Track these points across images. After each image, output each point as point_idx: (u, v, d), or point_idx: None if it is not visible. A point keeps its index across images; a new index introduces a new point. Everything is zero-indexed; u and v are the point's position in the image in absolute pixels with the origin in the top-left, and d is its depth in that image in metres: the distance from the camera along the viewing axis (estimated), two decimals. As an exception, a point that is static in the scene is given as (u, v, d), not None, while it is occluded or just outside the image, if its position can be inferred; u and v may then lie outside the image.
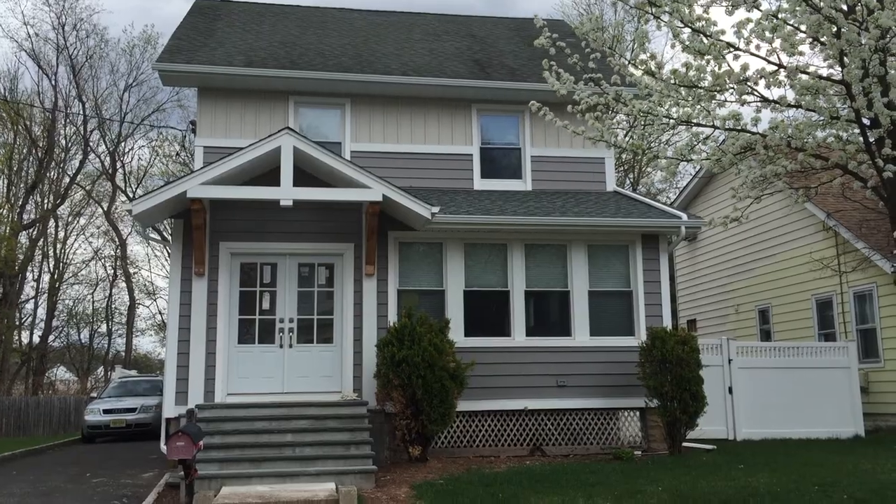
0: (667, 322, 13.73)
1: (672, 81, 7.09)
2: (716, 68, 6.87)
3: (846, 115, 6.78)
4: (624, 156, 31.59)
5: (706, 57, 6.85)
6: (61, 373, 48.08)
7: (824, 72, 6.84)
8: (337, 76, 14.59)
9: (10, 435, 23.98)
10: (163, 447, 11.60)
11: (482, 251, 13.72)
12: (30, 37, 39.35)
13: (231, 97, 14.49)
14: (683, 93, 7.14)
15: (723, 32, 6.80)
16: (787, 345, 16.65)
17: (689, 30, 6.83)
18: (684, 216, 14.12)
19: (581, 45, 8.02)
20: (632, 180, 33.29)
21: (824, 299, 18.41)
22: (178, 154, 38.32)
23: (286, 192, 12.08)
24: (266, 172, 12.51)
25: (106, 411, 21.02)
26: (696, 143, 7.63)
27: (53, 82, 36.08)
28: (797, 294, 19.13)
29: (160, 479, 11.32)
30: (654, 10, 6.79)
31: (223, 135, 14.29)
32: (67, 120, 36.87)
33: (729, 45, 6.77)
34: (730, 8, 6.61)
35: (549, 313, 13.92)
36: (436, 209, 12.46)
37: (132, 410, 21.01)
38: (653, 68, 7.25)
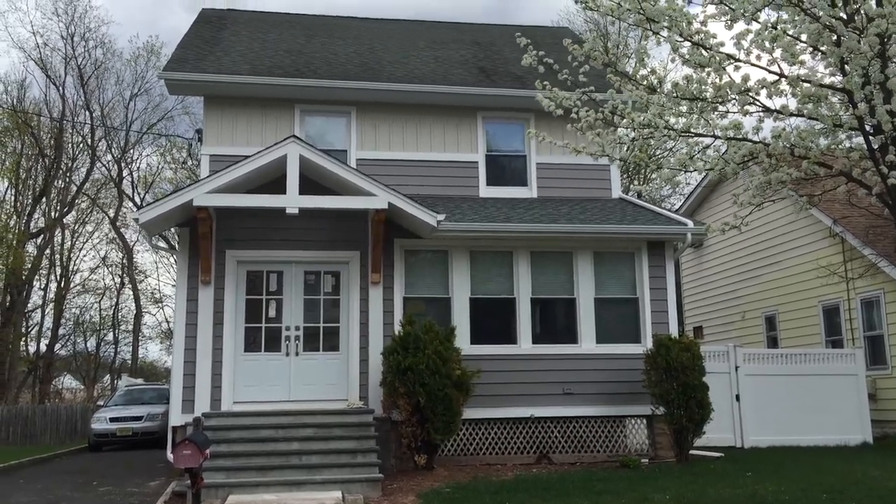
0: (673, 329, 13.69)
1: (674, 94, 7.10)
2: (717, 80, 6.87)
3: (849, 122, 6.77)
4: (630, 164, 31.56)
5: (707, 69, 6.85)
6: (68, 381, 48.16)
7: (826, 79, 6.84)
8: (342, 84, 14.63)
9: (17, 443, 24.01)
10: (169, 455, 11.61)
11: (488, 259, 13.71)
12: (38, 46, 39.56)
13: (237, 105, 14.54)
14: (685, 106, 7.14)
15: (722, 44, 6.80)
16: (794, 352, 16.60)
17: (689, 43, 6.83)
18: (690, 223, 14.10)
19: (569, 59, 8.02)
20: (638, 183, 33.25)
21: (831, 306, 18.35)
22: (184, 162, 38.42)
23: (292, 201, 12.11)
24: (272, 181, 12.54)
25: (112, 419, 21.03)
26: (696, 152, 7.63)
27: (61, 92, 36.31)
28: (804, 301, 19.07)
29: (167, 488, 11.31)
30: (652, 25, 6.79)
31: (229, 143, 14.34)
32: (74, 129, 37.06)
33: (729, 56, 6.77)
34: (728, 23, 6.61)
35: (555, 320, 13.90)
36: (441, 217, 12.47)
37: (138, 419, 21.02)
38: (654, 83, 7.26)
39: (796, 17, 6.35)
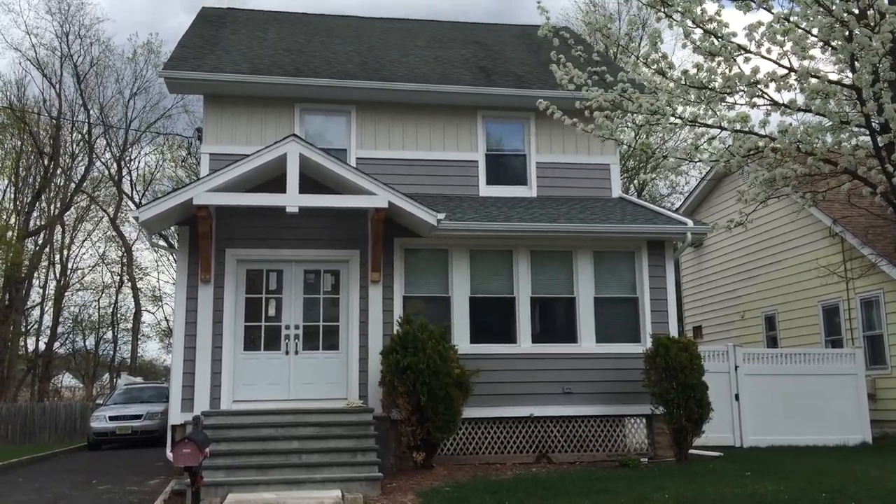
0: (673, 329, 13.69)
1: (682, 82, 7.08)
2: (726, 70, 6.86)
3: (856, 119, 6.76)
4: (630, 162, 31.58)
5: (717, 59, 6.84)
6: (67, 379, 48.15)
7: (834, 76, 6.83)
8: (342, 83, 14.61)
9: (16, 442, 24.01)
10: (169, 454, 11.60)
11: (488, 258, 13.70)
12: (33, 46, 39.57)
13: (237, 104, 14.52)
14: (693, 95, 7.12)
15: (734, 35, 6.79)
16: (793, 351, 16.60)
17: (701, 31, 6.82)
18: (690, 222, 14.10)
19: (585, 38, 8.01)
20: (636, 186, 33.28)
21: (831, 306, 18.36)
22: (184, 160, 38.42)
23: (292, 199, 12.09)
24: (272, 179, 12.52)
25: (112, 418, 21.05)
26: (702, 142, 7.61)
27: (58, 90, 36.29)
28: (804, 300, 19.08)
29: (166, 486, 11.31)
30: (666, 8, 6.77)
31: (229, 142, 14.32)
32: (73, 127, 37.05)
33: (740, 47, 6.75)
34: (741, 4, 6.59)
35: (554, 320, 13.89)
36: (441, 216, 12.46)
37: (138, 417, 21.04)
38: (664, 68, 7.23)
39: (808, 10, 6.33)
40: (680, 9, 6.70)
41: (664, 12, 6.82)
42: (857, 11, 6.34)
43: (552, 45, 8.05)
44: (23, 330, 36.53)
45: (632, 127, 8.12)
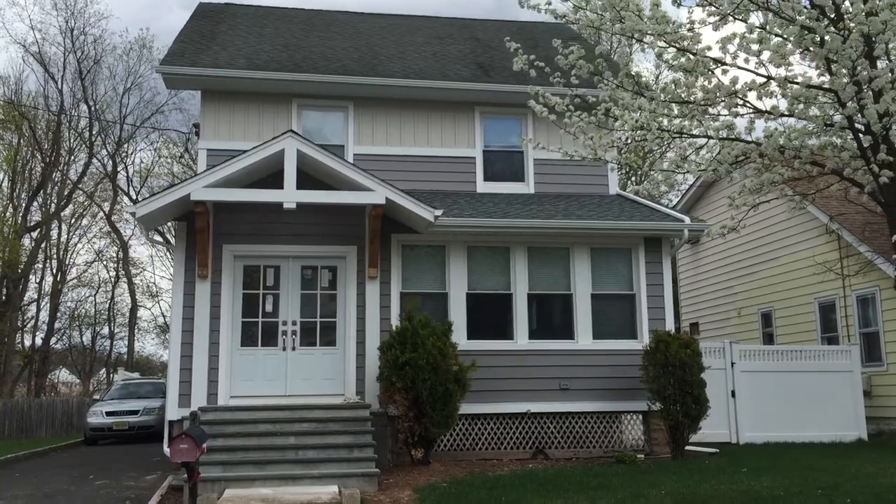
0: (669, 325, 13.72)
1: (662, 98, 7.11)
2: (706, 83, 6.87)
3: (840, 121, 6.78)
4: (630, 156, 31.54)
5: (693, 73, 6.86)
6: (64, 375, 48.16)
7: (815, 80, 6.84)
8: (340, 79, 14.61)
9: (13, 437, 24.01)
10: (166, 450, 11.62)
11: (485, 254, 13.72)
12: (37, 41, 39.54)
13: (234, 100, 14.52)
14: (675, 109, 7.15)
15: (708, 48, 6.80)
16: (789, 348, 16.64)
17: (675, 49, 6.83)
18: (687, 219, 14.11)
19: (564, 57, 8.06)
20: (634, 182, 33.27)
21: (827, 303, 18.39)
22: (181, 156, 38.35)
23: (289, 195, 12.10)
24: (269, 175, 12.53)
25: (108, 413, 21.06)
26: (688, 153, 7.67)
27: (60, 86, 36.22)
28: (800, 297, 19.11)
29: (163, 482, 11.33)
30: (636, 34, 6.80)
31: (227, 137, 14.31)
32: (71, 123, 36.97)
33: (716, 60, 6.77)
34: (717, 23, 6.60)
35: (551, 316, 13.91)
36: (439, 212, 12.47)
37: (135, 413, 21.04)
38: (642, 86, 7.28)
39: (770, 19, 6.36)
40: (650, 31, 6.72)
41: (634, 38, 6.86)
42: (833, 15, 6.35)
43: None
44: (20, 325, 36.49)
45: (618, 145, 8.17)
